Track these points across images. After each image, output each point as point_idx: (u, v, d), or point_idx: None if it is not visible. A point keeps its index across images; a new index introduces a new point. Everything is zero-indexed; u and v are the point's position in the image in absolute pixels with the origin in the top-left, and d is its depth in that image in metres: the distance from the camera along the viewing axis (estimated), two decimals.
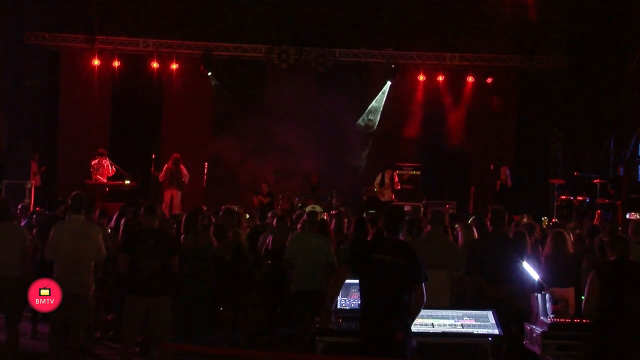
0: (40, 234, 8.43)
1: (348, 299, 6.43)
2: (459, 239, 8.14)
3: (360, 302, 5.63)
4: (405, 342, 5.39)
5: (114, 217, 9.52)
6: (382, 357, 5.24)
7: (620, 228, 9.94)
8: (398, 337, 5.32)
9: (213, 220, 9.17)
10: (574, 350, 5.91)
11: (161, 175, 15.17)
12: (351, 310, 6.34)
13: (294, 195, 15.89)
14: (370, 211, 14.38)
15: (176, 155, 15.21)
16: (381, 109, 18.18)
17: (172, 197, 14.96)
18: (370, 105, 18.20)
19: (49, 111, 17.14)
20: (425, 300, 5.56)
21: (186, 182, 15.18)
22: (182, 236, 7.89)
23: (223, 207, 9.61)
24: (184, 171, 15.10)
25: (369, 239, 7.72)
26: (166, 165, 15.17)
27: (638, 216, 12.06)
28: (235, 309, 8.28)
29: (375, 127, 18.25)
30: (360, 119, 18.18)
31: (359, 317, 6.09)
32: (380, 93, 18.14)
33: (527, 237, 7.60)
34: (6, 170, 15.34)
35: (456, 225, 9.00)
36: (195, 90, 17.72)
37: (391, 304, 5.43)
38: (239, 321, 8.26)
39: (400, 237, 5.83)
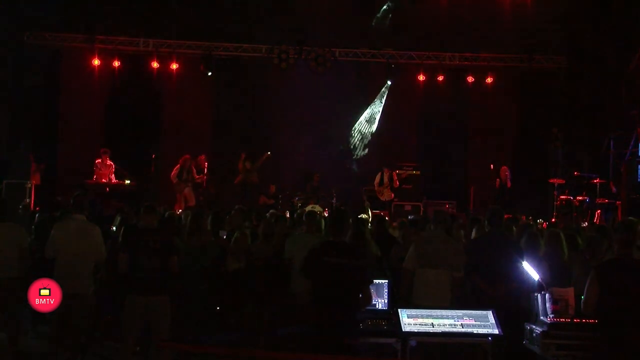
0: (40, 234, 8.42)
1: None
2: (472, 237, 8.15)
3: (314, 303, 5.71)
4: (354, 345, 5.55)
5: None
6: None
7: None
8: (345, 342, 5.45)
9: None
10: (574, 350, 5.91)
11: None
12: None
13: (294, 195, 15.90)
14: (375, 211, 14.35)
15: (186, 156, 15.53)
16: (381, 108, 18.19)
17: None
18: (370, 105, 18.20)
19: (49, 111, 17.12)
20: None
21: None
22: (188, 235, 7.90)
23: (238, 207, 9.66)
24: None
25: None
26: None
27: None
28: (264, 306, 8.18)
29: (375, 128, 18.26)
30: (360, 119, 18.22)
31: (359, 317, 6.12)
32: (380, 93, 18.15)
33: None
34: (6, 170, 15.31)
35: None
36: (195, 90, 17.72)
37: (342, 306, 5.54)
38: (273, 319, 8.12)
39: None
